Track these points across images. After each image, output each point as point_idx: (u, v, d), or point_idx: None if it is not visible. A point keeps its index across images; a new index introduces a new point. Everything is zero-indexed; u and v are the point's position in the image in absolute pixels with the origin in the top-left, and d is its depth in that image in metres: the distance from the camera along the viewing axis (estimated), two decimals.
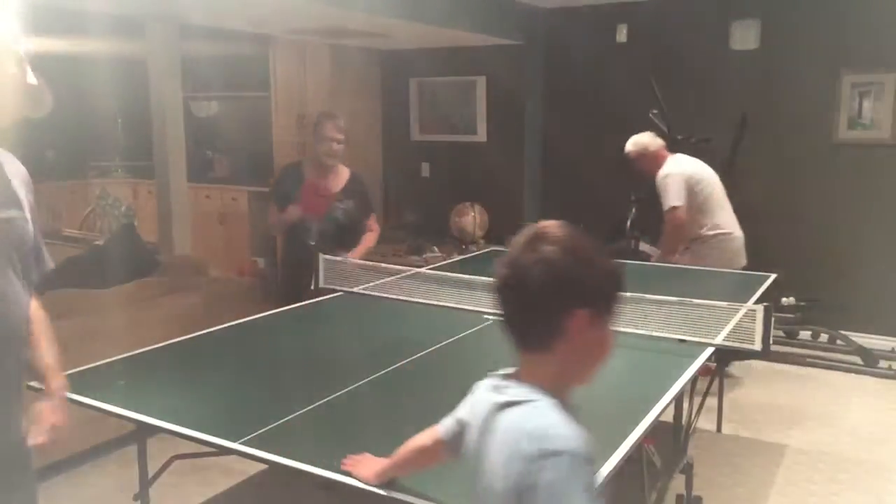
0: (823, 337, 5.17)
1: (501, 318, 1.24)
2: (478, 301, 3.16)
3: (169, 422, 1.97)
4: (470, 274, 3.39)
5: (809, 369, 4.90)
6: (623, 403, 2.15)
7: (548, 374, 1.22)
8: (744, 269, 4.35)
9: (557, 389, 1.22)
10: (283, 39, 6.25)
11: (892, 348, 4.97)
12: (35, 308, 1.72)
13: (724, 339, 2.66)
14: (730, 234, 4.44)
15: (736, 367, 4.62)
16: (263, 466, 2.03)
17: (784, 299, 5.15)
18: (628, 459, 1.82)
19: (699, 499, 3.04)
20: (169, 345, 2.66)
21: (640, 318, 2.75)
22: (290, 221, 3.78)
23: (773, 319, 2.60)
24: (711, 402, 3.69)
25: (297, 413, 2.04)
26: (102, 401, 2.10)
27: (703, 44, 5.53)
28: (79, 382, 2.24)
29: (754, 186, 5.39)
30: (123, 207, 8.42)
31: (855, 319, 5.16)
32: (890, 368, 4.78)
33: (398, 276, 3.60)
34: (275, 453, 1.78)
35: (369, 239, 3.95)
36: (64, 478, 3.31)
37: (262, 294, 4.51)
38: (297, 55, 6.34)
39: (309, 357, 2.63)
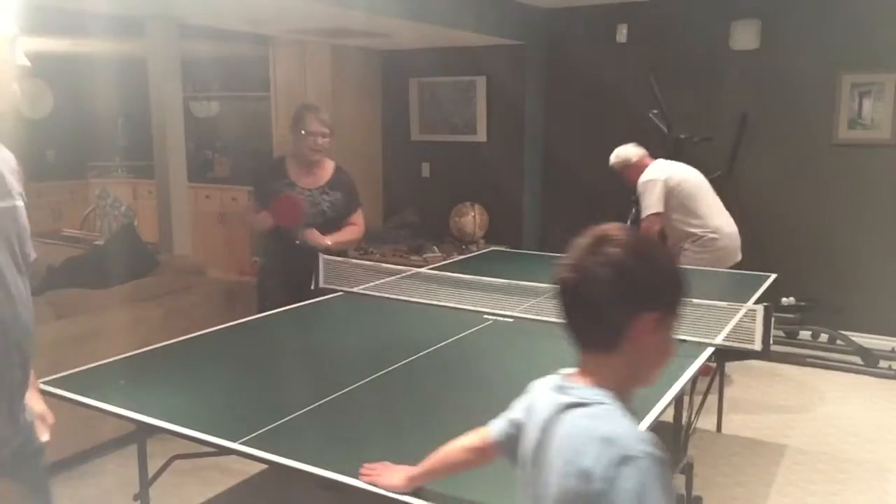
0: (823, 337, 5.17)
1: (563, 320, 1.25)
2: (478, 301, 3.16)
3: (169, 422, 1.97)
4: (470, 274, 3.39)
5: (809, 369, 4.90)
6: None
7: (612, 375, 1.22)
8: (743, 269, 4.35)
9: (621, 391, 1.23)
10: (283, 39, 6.25)
11: (892, 348, 4.97)
12: None
13: (724, 339, 2.66)
14: (719, 231, 4.42)
15: (734, 368, 4.62)
16: (263, 466, 2.02)
17: (784, 299, 5.15)
18: None
19: (699, 499, 3.04)
20: (169, 345, 2.66)
21: None
22: (262, 228, 3.61)
23: (773, 319, 2.60)
24: (711, 401, 3.69)
25: (297, 413, 2.04)
26: (102, 401, 2.10)
27: (703, 44, 5.53)
28: (79, 382, 2.25)
29: (754, 186, 5.40)
30: (123, 207, 8.43)
31: (855, 319, 5.17)
32: (890, 368, 4.79)
33: (398, 276, 3.60)
34: (275, 453, 1.78)
35: (351, 231, 3.76)
36: (64, 478, 3.31)
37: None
38: (297, 55, 6.35)
39: (309, 357, 2.63)
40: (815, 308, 5.15)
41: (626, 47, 5.81)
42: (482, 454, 1.52)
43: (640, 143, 4.68)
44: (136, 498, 2.38)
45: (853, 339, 5.03)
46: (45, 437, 1.64)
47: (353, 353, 2.66)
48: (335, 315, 3.22)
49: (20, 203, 1.61)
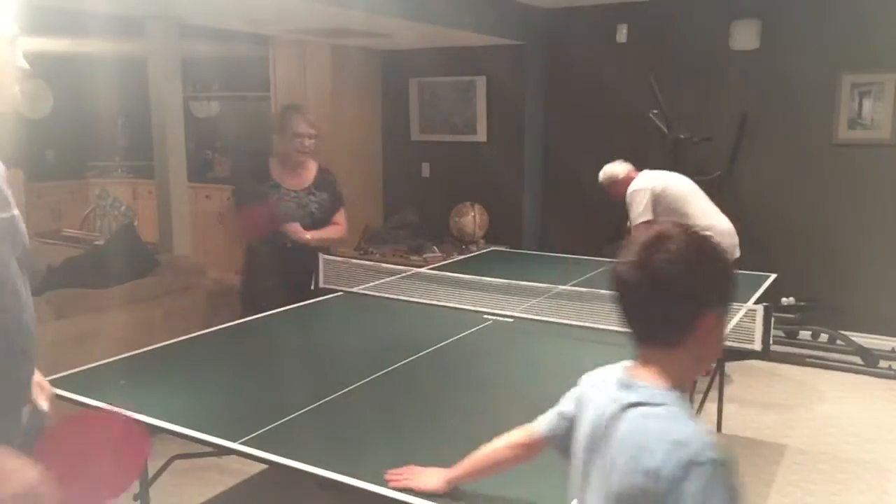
0: (823, 337, 5.17)
1: (625, 317, 1.27)
2: (478, 301, 3.17)
3: (169, 422, 1.97)
4: (470, 274, 3.39)
5: (809, 369, 4.90)
6: None
7: (675, 370, 1.25)
8: (743, 269, 4.34)
9: (682, 385, 1.26)
10: (283, 39, 6.25)
11: (892, 348, 4.97)
12: None
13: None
14: (712, 229, 4.40)
15: (734, 368, 4.62)
16: (263, 466, 2.03)
17: (784, 299, 5.15)
18: None
19: None
20: (169, 345, 2.67)
21: None
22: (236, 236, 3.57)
23: (773, 319, 2.60)
24: (711, 401, 3.69)
25: (297, 413, 2.04)
26: (102, 401, 2.09)
27: (703, 44, 5.53)
28: (79, 382, 2.25)
29: (754, 186, 5.40)
30: (123, 207, 8.44)
31: (855, 319, 5.16)
32: (890, 368, 4.79)
33: (398, 276, 3.60)
34: (275, 453, 1.78)
35: (334, 230, 3.68)
36: None
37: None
38: (297, 55, 6.34)
39: (309, 357, 2.63)
40: (814, 308, 5.15)
41: (626, 47, 5.81)
42: (529, 449, 1.52)
43: (640, 143, 4.69)
44: (136, 498, 2.37)
45: (853, 339, 5.03)
46: (43, 404, 1.63)
47: (353, 353, 2.66)
48: (335, 315, 3.22)
49: (17, 212, 1.62)
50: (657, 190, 4.38)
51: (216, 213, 7.25)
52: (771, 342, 2.60)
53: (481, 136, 6.40)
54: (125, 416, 1.52)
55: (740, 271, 4.60)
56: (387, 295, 3.35)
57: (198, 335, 2.79)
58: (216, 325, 2.93)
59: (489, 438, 1.60)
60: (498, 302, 3.14)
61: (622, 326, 1.28)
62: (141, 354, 2.56)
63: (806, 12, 5.19)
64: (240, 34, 5.62)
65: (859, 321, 5.16)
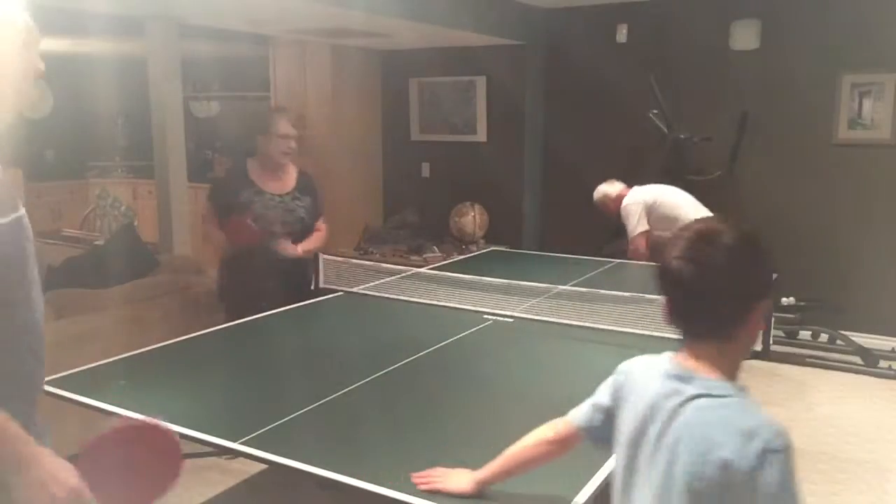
0: (823, 337, 5.17)
1: (674, 311, 1.28)
2: (478, 301, 3.17)
3: (169, 422, 1.97)
4: (470, 274, 3.39)
5: (809, 369, 4.90)
6: None
7: (727, 362, 1.27)
8: None
9: (732, 375, 1.27)
10: (283, 39, 6.25)
11: (892, 348, 4.97)
12: None
13: None
14: None
15: None
16: (263, 466, 2.03)
17: (784, 299, 5.15)
18: None
19: None
20: (169, 345, 2.66)
21: (640, 317, 2.75)
22: (218, 244, 3.48)
23: (773, 319, 2.60)
24: None
25: (297, 413, 2.04)
26: (102, 401, 2.09)
27: (703, 44, 5.53)
28: (79, 382, 2.24)
29: (754, 186, 5.40)
30: (123, 207, 8.44)
31: (855, 319, 5.16)
32: (890, 368, 4.78)
33: (398, 276, 3.60)
34: (275, 453, 1.78)
35: (318, 238, 3.61)
36: None
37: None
38: (297, 55, 6.34)
39: (309, 357, 2.63)
40: (815, 308, 5.15)
41: (626, 47, 5.81)
42: (563, 444, 1.51)
43: (640, 143, 4.69)
44: None
45: (853, 339, 5.02)
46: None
47: (353, 353, 2.66)
48: (335, 315, 3.22)
49: (23, 210, 1.62)
50: (649, 202, 4.54)
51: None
52: (771, 342, 2.60)
53: (481, 136, 6.40)
54: (159, 425, 1.51)
55: None
56: (387, 295, 3.35)
57: (198, 335, 2.79)
58: (216, 325, 2.93)
59: (489, 438, 1.60)
60: (498, 302, 3.14)
61: (670, 322, 1.28)
62: (141, 354, 2.56)
63: (806, 12, 5.19)
64: (240, 34, 5.62)
65: (859, 321, 5.16)
